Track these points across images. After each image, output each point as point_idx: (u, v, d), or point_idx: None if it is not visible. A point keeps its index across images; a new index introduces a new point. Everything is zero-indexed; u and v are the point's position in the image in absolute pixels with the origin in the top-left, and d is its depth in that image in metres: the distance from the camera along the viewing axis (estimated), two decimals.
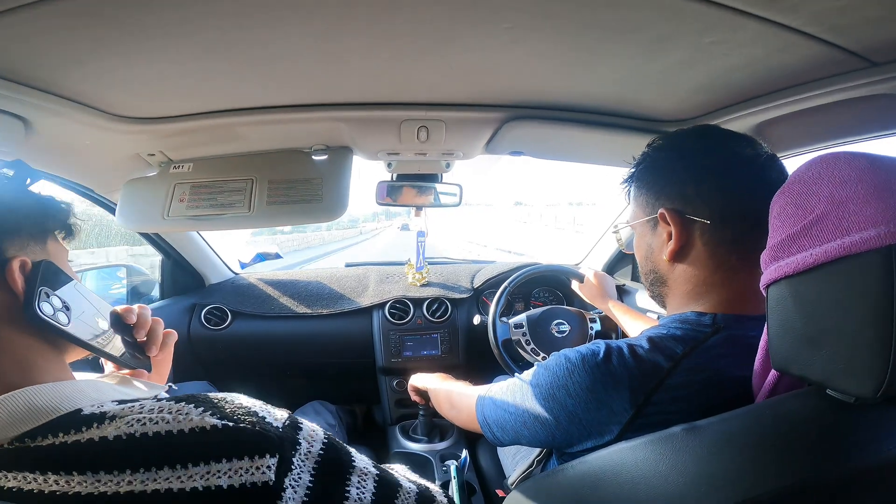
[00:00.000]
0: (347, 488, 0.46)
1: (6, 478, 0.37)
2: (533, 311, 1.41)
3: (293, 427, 0.45)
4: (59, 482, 0.36)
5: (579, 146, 1.03)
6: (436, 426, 1.51)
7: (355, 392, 1.81)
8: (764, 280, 0.46)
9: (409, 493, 0.51)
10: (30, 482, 0.37)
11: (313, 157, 1.02)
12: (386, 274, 1.76)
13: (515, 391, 0.63)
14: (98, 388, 0.46)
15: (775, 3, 0.51)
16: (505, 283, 1.45)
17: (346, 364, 1.69)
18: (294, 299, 1.65)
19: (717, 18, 0.55)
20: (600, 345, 0.56)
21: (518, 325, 1.38)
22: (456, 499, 0.98)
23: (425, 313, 1.63)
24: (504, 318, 1.40)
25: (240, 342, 1.61)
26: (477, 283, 1.72)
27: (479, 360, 1.62)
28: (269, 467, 0.40)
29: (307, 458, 0.44)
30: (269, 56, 0.65)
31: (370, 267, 1.84)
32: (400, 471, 0.58)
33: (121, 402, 0.43)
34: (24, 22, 0.51)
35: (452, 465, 1.07)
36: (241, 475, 0.39)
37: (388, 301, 1.63)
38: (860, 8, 0.51)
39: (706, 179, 0.58)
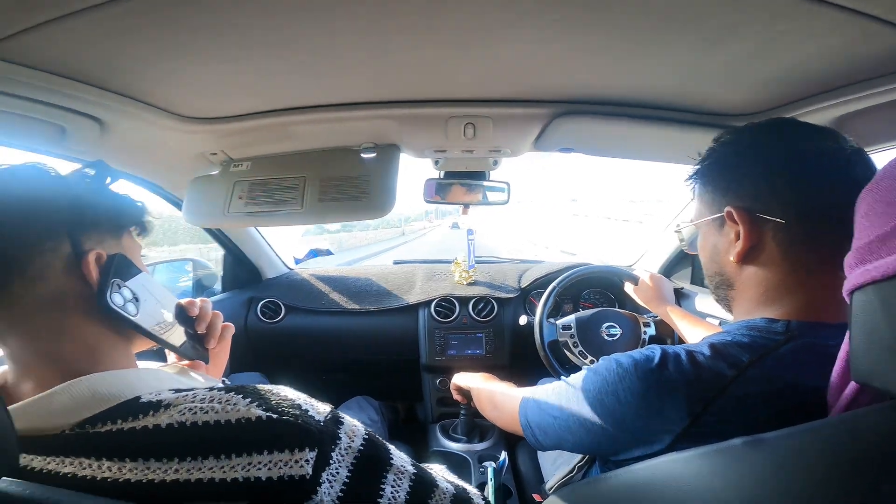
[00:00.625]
0: (383, 486, 0.45)
1: (63, 463, 0.39)
2: (582, 313, 1.37)
3: (335, 421, 0.45)
4: (112, 468, 0.38)
5: (635, 142, 0.99)
6: (476, 426, 1.50)
7: (398, 389, 1.84)
8: (848, 285, 0.41)
9: (444, 493, 0.50)
10: (84, 468, 0.39)
11: (362, 154, 1.04)
12: (433, 272, 1.77)
13: (561, 395, 0.61)
14: (158, 377, 0.49)
15: None
16: (553, 284, 1.42)
17: (390, 361, 1.72)
18: (344, 295, 1.70)
19: (789, 6, 0.51)
20: (655, 350, 0.53)
21: (566, 327, 1.34)
22: (492, 500, 0.97)
23: (471, 312, 1.62)
24: (551, 319, 1.37)
25: (292, 336, 1.68)
26: (524, 283, 1.69)
27: (524, 361, 1.59)
28: (307, 461, 0.41)
29: (346, 454, 0.44)
30: (320, 54, 0.67)
31: (418, 265, 1.87)
32: (438, 470, 0.58)
33: (177, 390, 0.45)
34: (95, 24, 0.55)
35: (490, 466, 1.06)
36: (280, 468, 0.40)
37: (435, 299, 1.64)
38: None
39: (780, 175, 0.53)
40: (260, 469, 0.39)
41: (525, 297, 1.69)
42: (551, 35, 0.61)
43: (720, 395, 0.48)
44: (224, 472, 0.39)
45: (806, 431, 0.40)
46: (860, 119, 0.77)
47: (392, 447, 0.50)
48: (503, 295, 1.65)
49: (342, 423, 0.46)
